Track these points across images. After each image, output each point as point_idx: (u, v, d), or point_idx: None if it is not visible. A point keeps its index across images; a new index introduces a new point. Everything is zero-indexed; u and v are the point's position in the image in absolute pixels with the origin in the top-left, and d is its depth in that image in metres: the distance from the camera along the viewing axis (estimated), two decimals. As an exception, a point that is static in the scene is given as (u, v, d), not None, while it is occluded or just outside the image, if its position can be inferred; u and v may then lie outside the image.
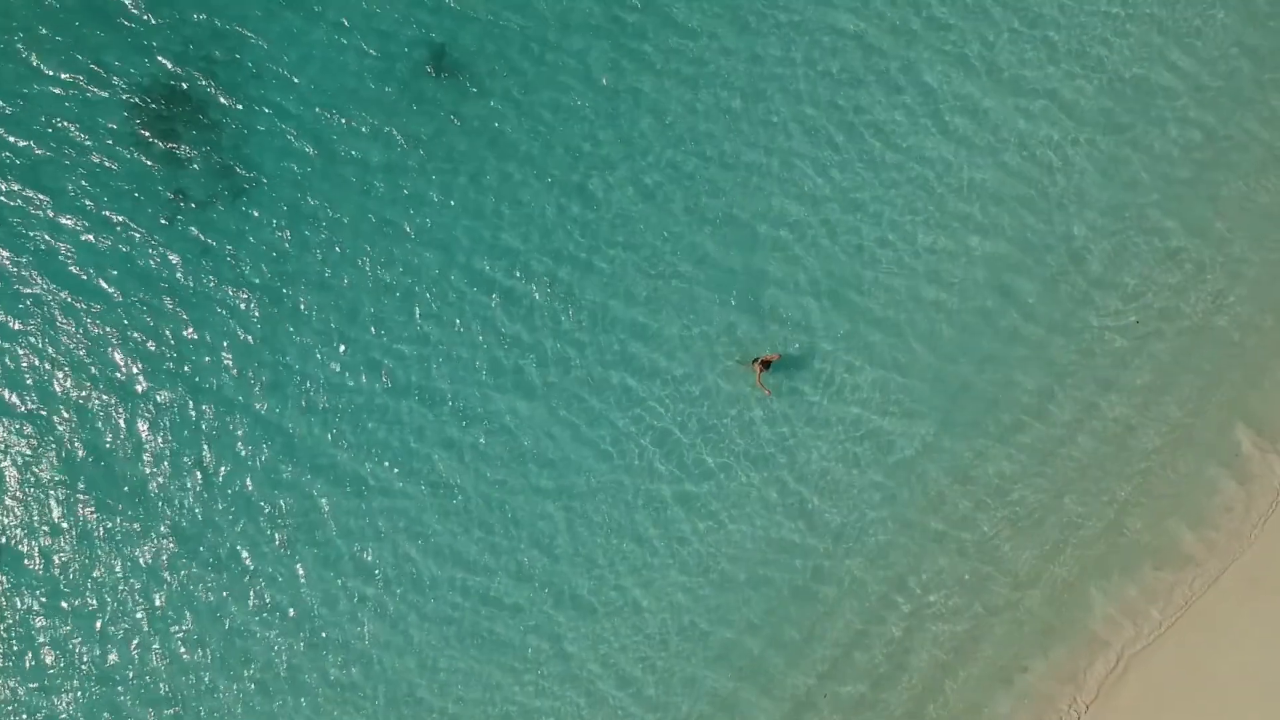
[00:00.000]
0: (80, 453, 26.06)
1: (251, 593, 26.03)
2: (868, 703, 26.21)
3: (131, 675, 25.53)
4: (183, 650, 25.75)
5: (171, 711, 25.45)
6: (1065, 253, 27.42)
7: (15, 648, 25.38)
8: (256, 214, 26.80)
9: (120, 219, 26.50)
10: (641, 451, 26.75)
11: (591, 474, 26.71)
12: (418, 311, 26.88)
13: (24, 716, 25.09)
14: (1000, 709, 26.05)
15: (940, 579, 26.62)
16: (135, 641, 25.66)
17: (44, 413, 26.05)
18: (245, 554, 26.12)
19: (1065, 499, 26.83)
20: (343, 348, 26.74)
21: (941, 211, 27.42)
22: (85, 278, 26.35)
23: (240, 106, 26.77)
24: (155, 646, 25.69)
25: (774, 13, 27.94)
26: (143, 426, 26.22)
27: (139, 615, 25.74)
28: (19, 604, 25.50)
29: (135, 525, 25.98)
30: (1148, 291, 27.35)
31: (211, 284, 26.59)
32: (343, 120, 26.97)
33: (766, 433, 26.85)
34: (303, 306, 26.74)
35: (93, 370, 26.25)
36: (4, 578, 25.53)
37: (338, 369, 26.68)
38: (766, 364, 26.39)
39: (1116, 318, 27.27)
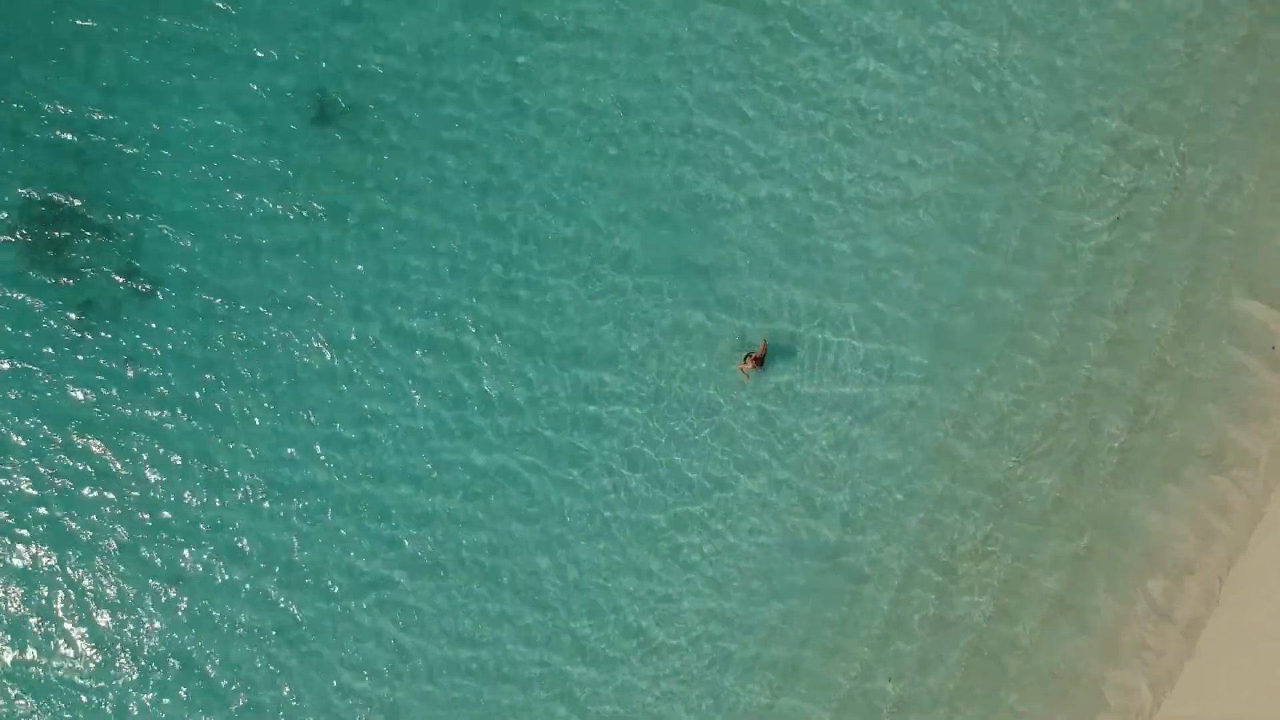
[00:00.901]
0: (32, 620, 24.41)
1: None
2: (923, 685, 24.64)
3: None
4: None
5: None
6: (1013, 174, 25.95)
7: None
8: (156, 325, 25.21)
9: (23, 359, 25.03)
10: (621, 482, 25.14)
11: (574, 516, 25.11)
12: (348, 388, 25.28)
13: None
14: (1067, 649, 24.63)
15: (965, 537, 25.17)
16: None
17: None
18: (222, 681, 24.35)
19: (1073, 421, 25.39)
20: (280, 445, 25.06)
21: (876, 161, 25.96)
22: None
23: (125, 215, 25.21)
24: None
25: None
26: (90, 580, 24.59)
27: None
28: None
29: (93, 662, 24.39)
30: (1108, 196, 25.92)
31: (131, 408, 24.98)
32: (232, 204, 25.40)
33: (749, 434, 25.43)
34: (230, 409, 25.09)
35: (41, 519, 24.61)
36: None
37: (280, 468, 25.01)
38: (759, 360, 25.09)
39: (1080, 229, 25.83)
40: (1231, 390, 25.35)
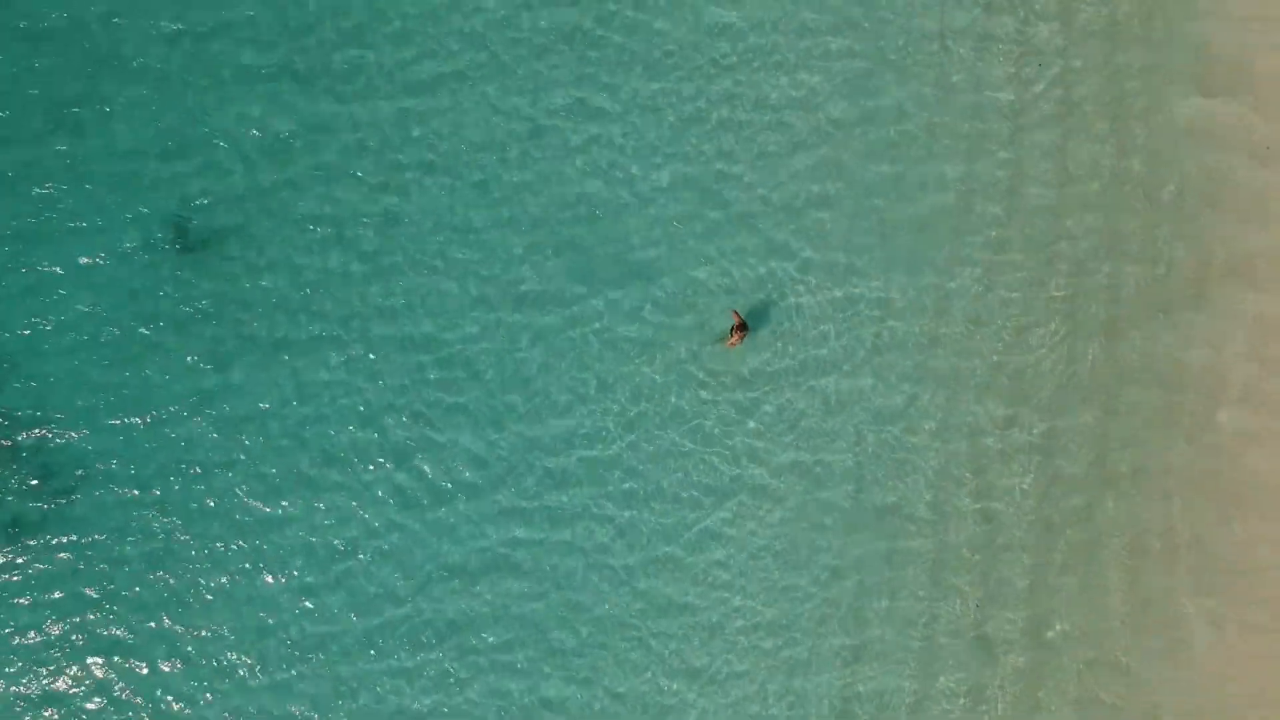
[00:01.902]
0: None
1: None
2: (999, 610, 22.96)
3: None
4: None
5: None
6: (895, 78, 24.39)
7: None
8: (87, 528, 23.10)
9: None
10: (620, 526, 23.44)
11: (581, 579, 23.34)
12: (300, 532, 23.20)
13: None
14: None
15: (987, 451, 23.77)
16: None
17: None
18: None
19: (1060, 280, 24.12)
20: (253, 613, 23.09)
21: (760, 109, 24.36)
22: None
23: (22, 429, 23.22)
24: None
25: (454, 25, 24.45)
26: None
27: None
28: None
29: None
30: (1004, 62, 24.43)
31: (87, 617, 22.97)
32: (124, 383, 23.37)
33: (737, 430, 23.76)
34: (187, 592, 23.10)
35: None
36: None
37: (265, 640, 23.01)
38: (742, 326, 23.41)
39: (987, 104, 24.33)
40: (1225, 199, 23.90)
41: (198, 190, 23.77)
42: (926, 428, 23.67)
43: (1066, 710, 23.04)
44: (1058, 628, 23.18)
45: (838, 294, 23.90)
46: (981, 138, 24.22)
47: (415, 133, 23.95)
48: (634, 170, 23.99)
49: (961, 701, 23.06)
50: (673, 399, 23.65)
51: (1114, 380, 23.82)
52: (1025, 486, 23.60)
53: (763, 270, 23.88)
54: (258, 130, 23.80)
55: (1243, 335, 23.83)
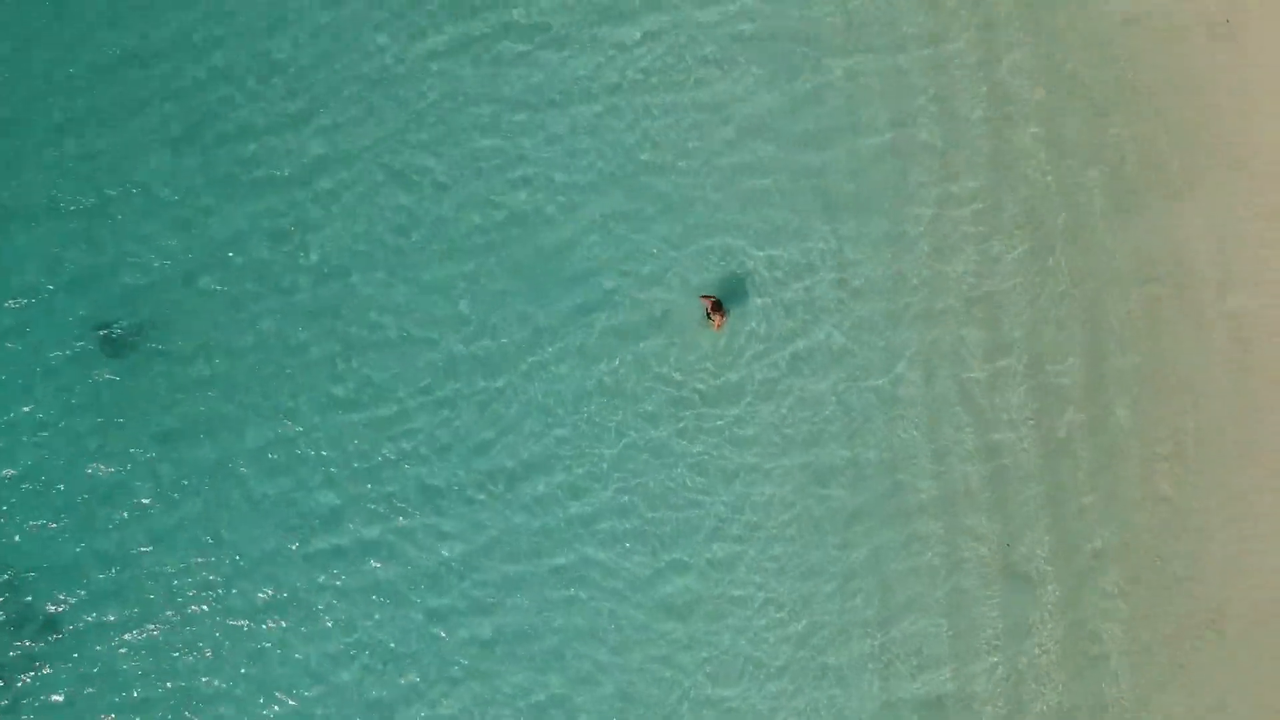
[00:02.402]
0: None
1: None
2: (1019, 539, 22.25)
3: None
4: None
5: None
6: (805, 42, 23.40)
7: None
8: (71, 668, 21.58)
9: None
10: (629, 570, 22.30)
11: (596, 635, 22.10)
12: (279, 650, 21.69)
13: None
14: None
15: (980, 391, 22.98)
16: None
17: None
18: None
19: (1022, 192, 23.19)
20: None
21: (675, 92, 23.30)
22: None
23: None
24: None
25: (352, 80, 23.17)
26: None
27: None
28: None
29: None
30: None
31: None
32: (83, 524, 21.92)
33: (729, 447, 22.66)
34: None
35: None
36: None
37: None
38: (717, 306, 22.27)
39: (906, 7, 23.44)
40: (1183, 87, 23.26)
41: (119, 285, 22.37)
42: (912, 376, 22.79)
43: (1116, 630, 22.36)
44: (1089, 546, 22.53)
45: (793, 258, 22.94)
46: (899, 95, 23.32)
47: (327, 184, 22.81)
48: (557, 178, 22.89)
49: (1006, 641, 22.35)
50: (668, 433, 22.58)
51: (1094, 286, 23.08)
52: (1026, 412, 22.81)
53: (712, 254, 22.90)
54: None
55: (1217, 222, 23.18)
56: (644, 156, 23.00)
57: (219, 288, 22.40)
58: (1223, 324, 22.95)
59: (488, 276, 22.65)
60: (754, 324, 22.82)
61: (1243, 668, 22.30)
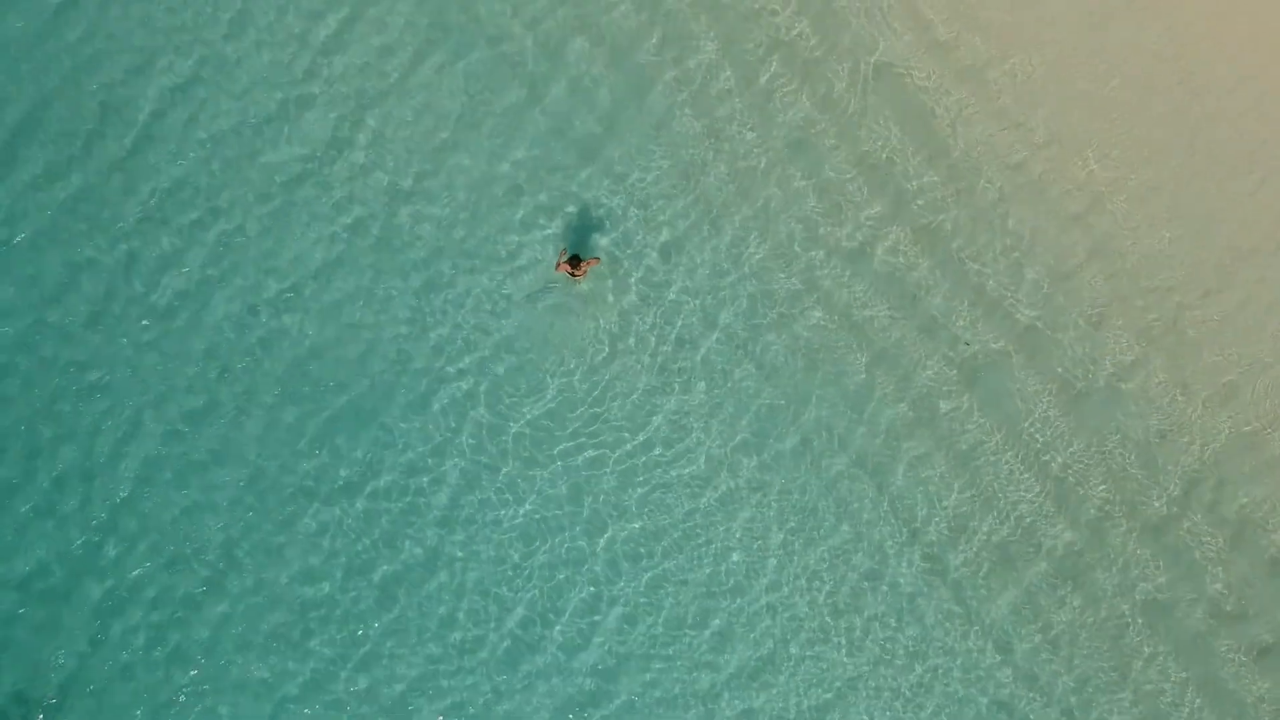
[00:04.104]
0: None
1: None
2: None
3: None
4: None
5: None
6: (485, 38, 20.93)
7: None
8: None
9: None
10: (638, 682, 19.61)
11: None
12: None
13: None
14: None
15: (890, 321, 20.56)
16: None
17: None
18: None
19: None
20: None
21: (401, 126, 20.30)
22: None
23: None
24: None
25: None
26: None
27: None
28: None
29: None
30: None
31: None
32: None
33: (711, 519, 19.78)
34: None
35: None
36: None
37: None
38: (575, 263, 19.51)
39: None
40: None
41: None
42: (819, 315, 20.23)
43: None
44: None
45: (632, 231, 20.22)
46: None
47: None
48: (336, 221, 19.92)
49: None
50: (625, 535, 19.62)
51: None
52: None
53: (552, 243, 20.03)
54: None
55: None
56: (406, 184, 20.11)
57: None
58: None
59: (320, 431, 19.57)
60: (637, 318, 20.06)
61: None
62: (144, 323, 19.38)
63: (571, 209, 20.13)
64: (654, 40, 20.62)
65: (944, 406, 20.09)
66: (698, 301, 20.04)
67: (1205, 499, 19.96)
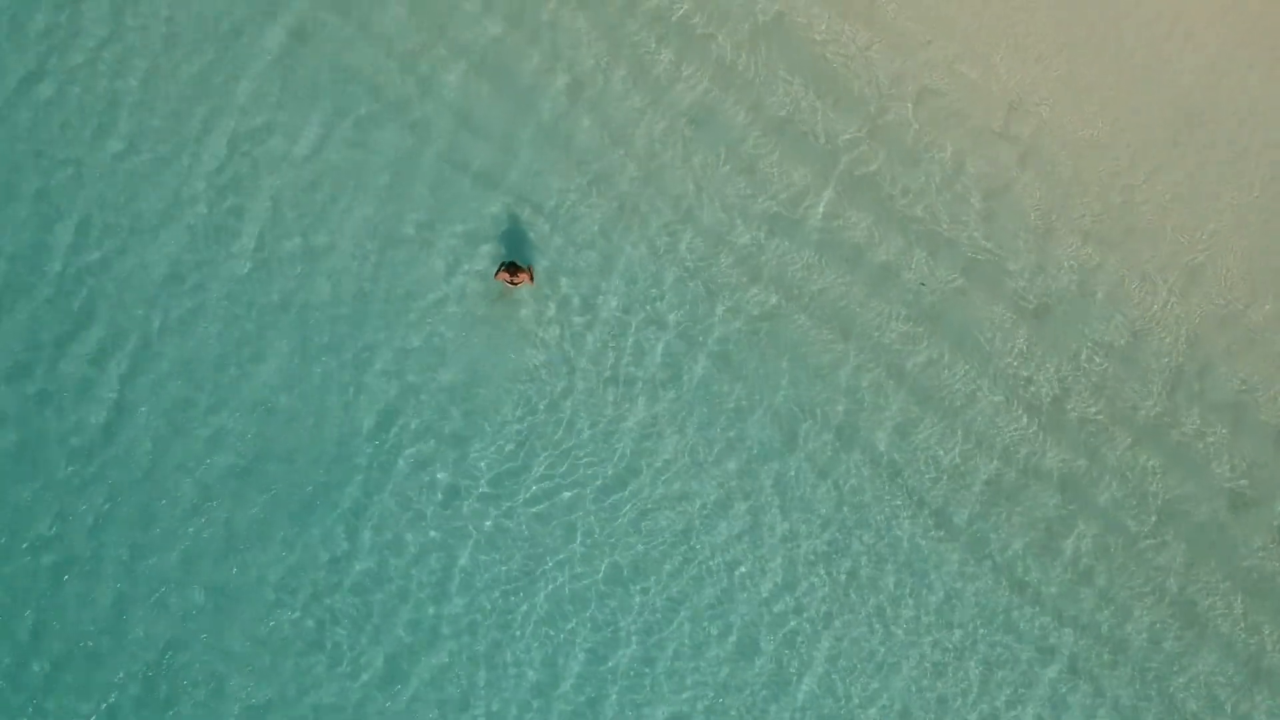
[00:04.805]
0: None
1: None
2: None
3: None
4: None
5: None
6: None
7: None
8: None
9: None
10: None
11: None
12: None
13: None
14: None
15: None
16: None
17: None
18: None
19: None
20: None
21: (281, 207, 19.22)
22: None
23: None
24: None
25: None
26: None
27: None
28: None
29: None
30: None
31: None
32: None
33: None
34: None
35: None
36: None
37: None
38: (513, 272, 18.72)
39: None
40: None
41: None
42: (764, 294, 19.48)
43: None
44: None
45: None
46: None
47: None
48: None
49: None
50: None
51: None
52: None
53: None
54: None
55: None
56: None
57: None
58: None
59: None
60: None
61: None
62: (71, 467, 18.18)
63: (489, 245, 19.17)
64: (536, 56, 19.63)
65: (916, 360, 19.45)
66: (644, 311, 19.19)
67: (1194, 389, 19.50)
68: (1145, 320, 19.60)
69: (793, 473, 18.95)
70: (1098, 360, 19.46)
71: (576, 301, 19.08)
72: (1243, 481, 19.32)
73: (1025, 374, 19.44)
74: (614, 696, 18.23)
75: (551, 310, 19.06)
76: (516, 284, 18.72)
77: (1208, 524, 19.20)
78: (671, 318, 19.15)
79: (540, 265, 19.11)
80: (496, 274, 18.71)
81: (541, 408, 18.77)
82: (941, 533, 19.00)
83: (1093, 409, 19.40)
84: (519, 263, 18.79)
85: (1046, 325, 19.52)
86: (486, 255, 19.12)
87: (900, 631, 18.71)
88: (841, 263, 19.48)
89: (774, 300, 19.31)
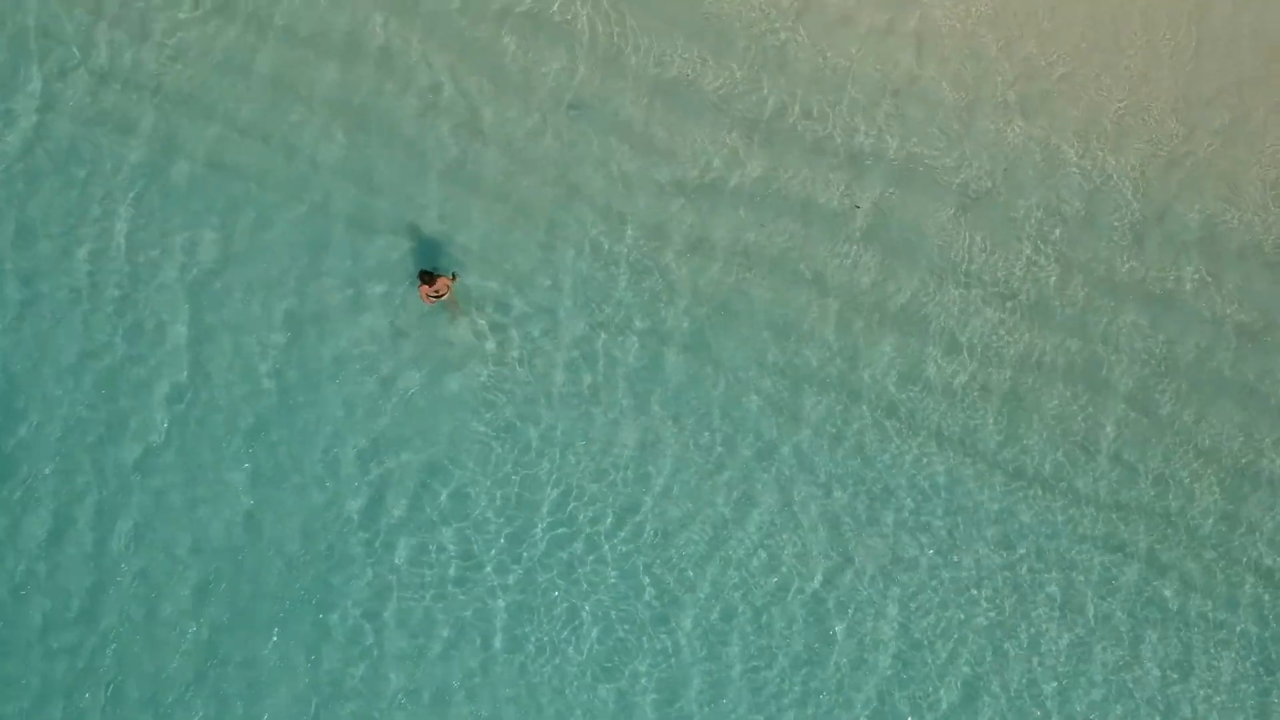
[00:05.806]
0: None
1: None
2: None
3: None
4: None
5: None
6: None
7: None
8: None
9: None
10: None
11: None
12: None
13: None
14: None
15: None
16: None
17: None
18: None
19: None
20: None
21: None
22: None
23: None
24: None
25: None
26: None
27: None
28: None
29: None
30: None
31: None
32: None
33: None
34: None
35: None
36: None
37: None
38: (430, 282, 17.53)
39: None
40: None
41: None
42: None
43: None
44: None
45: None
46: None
47: None
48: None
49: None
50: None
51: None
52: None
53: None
54: None
55: None
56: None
57: None
58: None
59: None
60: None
61: None
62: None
63: (408, 289, 17.94)
64: (390, 85, 18.72)
65: (866, 280, 18.20)
66: (590, 316, 18.02)
67: (1162, 233, 18.41)
68: (1090, 181, 18.55)
69: (793, 442, 17.89)
70: (1057, 231, 18.37)
71: (515, 331, 18.13)
72: (1244, 312, 18.22)
73: (980, 264, 18.41)
74: None
75: (494, 343, 18.09)
76: (441, 295, 17.57)
77: (1225, 366, 18.09)
78: (638, 321, 18.22)
79: (472, 301, 18.09)
80: (420, 292, 17.66)
81: (522, 445, 17.81)
82: (953, 453, 17.78)
83: (1065, 280, 18.34)
84: (431, 270, 17.77)
85: (988, 211, 18.51)
86: (412, 306, 18.10)
87: (959, 560, 17.44)
88: (766, 208, 18.49)
89: (714, 270, 18.45)
